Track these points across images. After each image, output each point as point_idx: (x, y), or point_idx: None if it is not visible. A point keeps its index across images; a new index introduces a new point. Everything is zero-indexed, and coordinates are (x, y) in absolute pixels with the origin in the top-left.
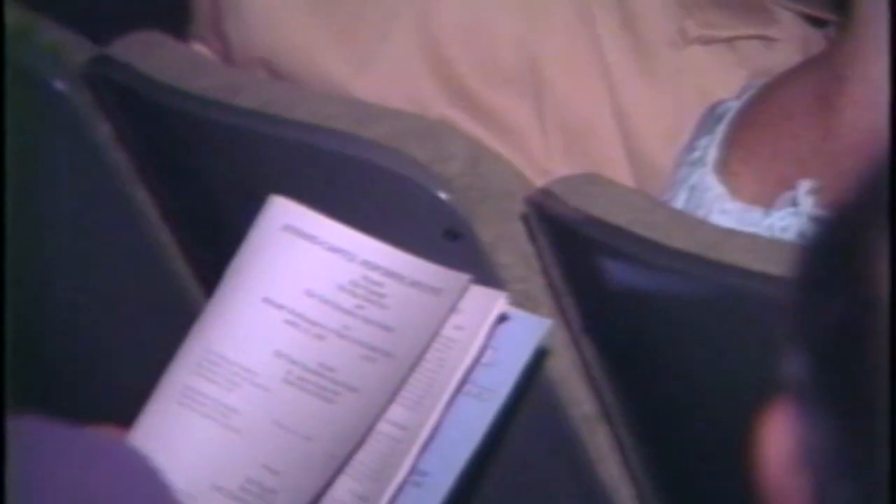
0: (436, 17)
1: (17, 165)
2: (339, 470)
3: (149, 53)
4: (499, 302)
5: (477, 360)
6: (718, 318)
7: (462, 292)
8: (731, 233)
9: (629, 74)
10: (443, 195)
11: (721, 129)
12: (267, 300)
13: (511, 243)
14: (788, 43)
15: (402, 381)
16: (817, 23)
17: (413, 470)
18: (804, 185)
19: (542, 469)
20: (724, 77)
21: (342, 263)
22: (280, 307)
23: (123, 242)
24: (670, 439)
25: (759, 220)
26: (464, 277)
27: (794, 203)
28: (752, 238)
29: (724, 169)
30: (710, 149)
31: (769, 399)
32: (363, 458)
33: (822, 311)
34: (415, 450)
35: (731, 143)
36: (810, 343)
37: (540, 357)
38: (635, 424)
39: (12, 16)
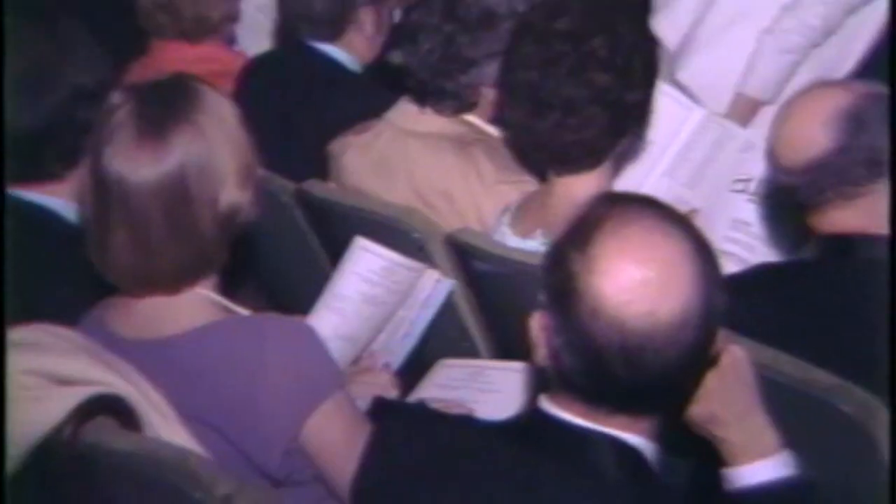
0: (414, 174)
1: (272, 237)
2: (379, 331)
3: (317, 187)
4: (435, 275)
5: (428, 296)
6: (516, 281)
7: (423, 271)
8: (517, 249)
9: (480, 195)
10: (416, 235)
11: (510, 212)
12: (354, 273)
13: (440, 253)
14: (532, 184)
15: (402, 302)
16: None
17: (407, 330)
18: (539, 232)
19: (447, 329)
20: (513, 195)
21: (382, 261)
22: (358, 275)
23: (308, 256)
24: (498, 319)
25: (524, 244)
26: (423, 265)
27: (536, 239)
28: (524, 251)
29: (512, 225)
30: (506, 218)
31: (534, 307)
32: (389, 327)
33: (550, 278)
34: (407, 324)
35: (514, 217)
36: (547, 289)
37: (449, 295)
38: (485, 312)
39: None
